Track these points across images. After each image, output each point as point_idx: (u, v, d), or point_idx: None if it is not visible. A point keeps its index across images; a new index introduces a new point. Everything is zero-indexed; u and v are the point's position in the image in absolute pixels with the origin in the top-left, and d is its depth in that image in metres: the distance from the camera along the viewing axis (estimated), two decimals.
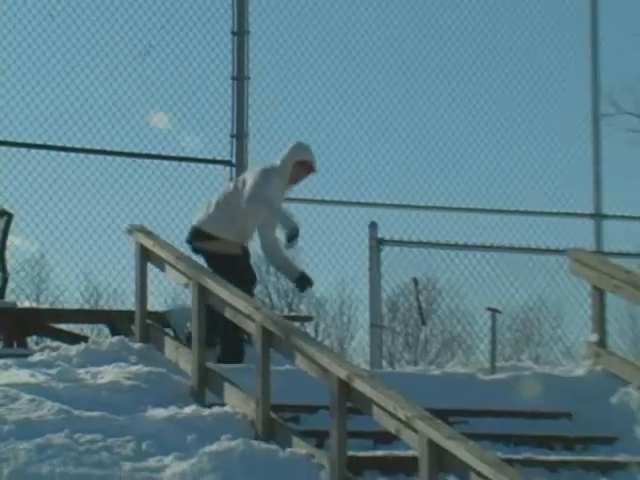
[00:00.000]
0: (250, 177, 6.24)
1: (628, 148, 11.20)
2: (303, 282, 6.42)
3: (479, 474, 3.09)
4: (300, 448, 4.22)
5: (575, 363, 6.59)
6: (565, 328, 8.15)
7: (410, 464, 3.81)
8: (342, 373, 3.90)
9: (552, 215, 8.53)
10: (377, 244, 7.65)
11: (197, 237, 6.28)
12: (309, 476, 4.02)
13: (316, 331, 20.83)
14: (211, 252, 6.21)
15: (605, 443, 5.12)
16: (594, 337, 6.13)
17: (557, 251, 7.46)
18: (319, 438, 4.30)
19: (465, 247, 8.25)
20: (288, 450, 4.20)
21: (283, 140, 7.69)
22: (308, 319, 11.46)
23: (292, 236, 6.09)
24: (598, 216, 8.47)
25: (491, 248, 8.32)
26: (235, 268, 6.14)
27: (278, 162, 6.29)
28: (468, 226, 8.53)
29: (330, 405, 4.03)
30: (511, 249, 8.39)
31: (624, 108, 13.34)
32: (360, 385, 3.81)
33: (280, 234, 6.30)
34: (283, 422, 4.55)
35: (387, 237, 7.73)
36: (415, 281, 8.35)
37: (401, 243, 7.87)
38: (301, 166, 6.30)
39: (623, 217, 8.66)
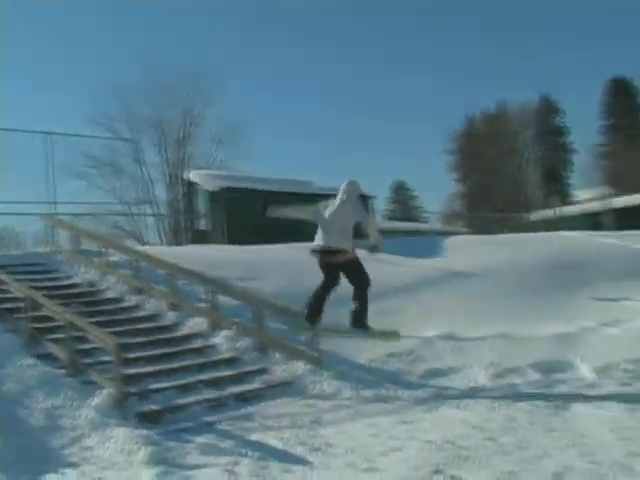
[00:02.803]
0: (353, 207, 9.24)
1: None
2: (377, 247, 9.34)
3: None
4: None
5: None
6: None
7: None
8: None
9: None
10: None
11: (338, 254, 9.02)
12: None
13: None
14: (351, 259, 9.15)
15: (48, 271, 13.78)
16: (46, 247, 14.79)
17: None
18: None
19: None
20: None
21: None
22: None
23: (376, 247, 9.33)
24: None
25: None
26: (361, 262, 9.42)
27: (357, 194, 9.50)
28: None
29: None
30: None
31: None
32: None
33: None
34: None
35: None
36: None
37: None
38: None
39: None
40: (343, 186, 9.47)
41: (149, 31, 75.10)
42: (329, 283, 9.29)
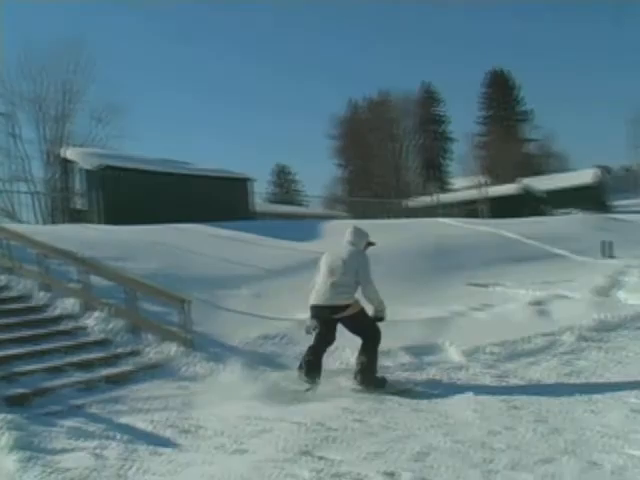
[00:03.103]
0: (353, 260, 8.15)
1: None
2: (382, 318, 8.34)
3: None
4: None
5: None
6: None
7: None
8: None
9: None
10: None
11: (337, 311, 8.11)
12: None
13: None
14: (356, 313, 8.21)
15: None
16: None
17: None
18: None
19: None
20: None
21: None
22: None
23: (380, 318, 8.34)
24: None
25: None
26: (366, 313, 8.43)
27: (360, 247, 8.42)
28: None
29: None
30: None
31: None
32: None
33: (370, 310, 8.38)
34: None
35: None
36: None
37: None
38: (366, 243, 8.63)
39: None
40: (349, 235, 8.52)
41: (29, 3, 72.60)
42: (329, 340, 8.35)
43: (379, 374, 8.32)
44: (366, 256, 8.36)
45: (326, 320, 8.18)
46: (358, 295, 8.29)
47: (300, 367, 8.22)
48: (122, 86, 77.48)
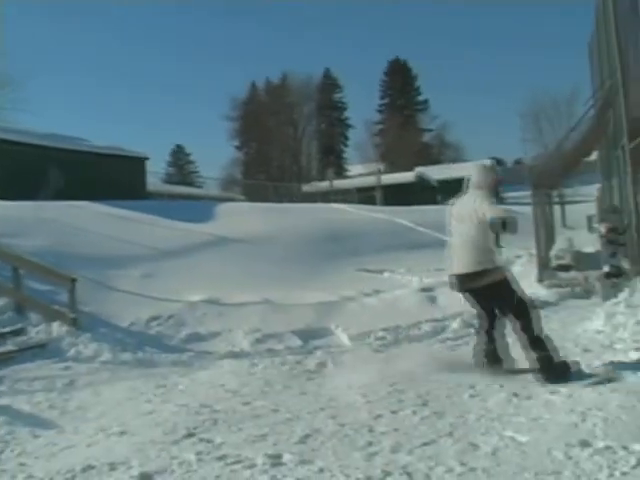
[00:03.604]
0: (479, 208, 6.60)
1: None
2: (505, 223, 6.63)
3: None
4: None
5: None
6: None
7: None
8: None
9: None
10: None
11: (472, 279, 6.70)
12: None
13: None
14: (495, 282, 6.66)
15: None
16: None
17: None
18: None
19: None
20: None
21: None
22: None
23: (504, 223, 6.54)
24: None
25: None
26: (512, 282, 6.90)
27: (486, 189, 6.84)
28: None
29: None
30: None
31: None
32: None
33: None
34: None
35: None
36: None
37: None
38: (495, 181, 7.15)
39: None
40: (474, 176, 7.00)
41: None
42: (487, 318, 7.10)
43: (558, 359, 6.71)
44: (492, 199, 6.90)
45: (469, 293, 7.00)
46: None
47: (483, 364, 7.18)
48: (19, 60, 75.22)
